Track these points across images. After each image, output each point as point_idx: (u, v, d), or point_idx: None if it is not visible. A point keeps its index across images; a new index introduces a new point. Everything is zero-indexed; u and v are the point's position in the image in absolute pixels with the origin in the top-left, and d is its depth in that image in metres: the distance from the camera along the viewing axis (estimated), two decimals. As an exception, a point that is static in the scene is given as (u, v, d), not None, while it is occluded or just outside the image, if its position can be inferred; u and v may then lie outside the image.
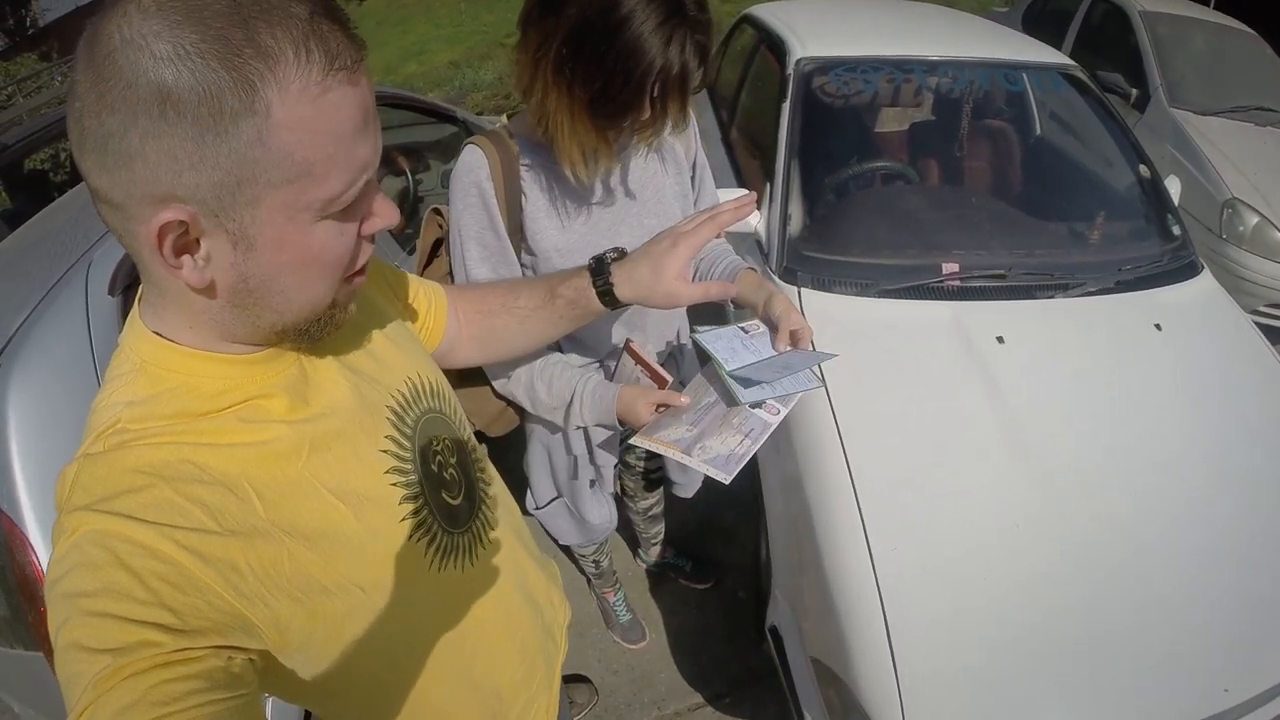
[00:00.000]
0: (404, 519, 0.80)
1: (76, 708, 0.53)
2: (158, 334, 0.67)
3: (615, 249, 1.10)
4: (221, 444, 0.66)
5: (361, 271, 0.72)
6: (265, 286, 0.63)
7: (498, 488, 1.04)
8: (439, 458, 0.89)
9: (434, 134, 3.92)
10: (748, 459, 1.09)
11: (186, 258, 0.59)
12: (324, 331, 0.72)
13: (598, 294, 1.06)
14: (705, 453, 1.10)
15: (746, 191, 1.14)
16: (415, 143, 3.79)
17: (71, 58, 0.55)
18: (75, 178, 2.76)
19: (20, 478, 1.47)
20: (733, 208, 1.04)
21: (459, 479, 0.92)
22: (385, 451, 0.80)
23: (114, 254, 1.78)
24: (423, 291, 1.08)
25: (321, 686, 0.75)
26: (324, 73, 0.57)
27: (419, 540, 0.81)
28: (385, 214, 0.69)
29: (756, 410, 1.16)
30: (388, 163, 3.49)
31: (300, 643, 0.69)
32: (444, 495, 0.88)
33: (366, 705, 0.85)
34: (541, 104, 1.16)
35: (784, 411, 1.17)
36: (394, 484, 0.79)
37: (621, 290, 1.06)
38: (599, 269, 1.07)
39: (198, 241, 0.59)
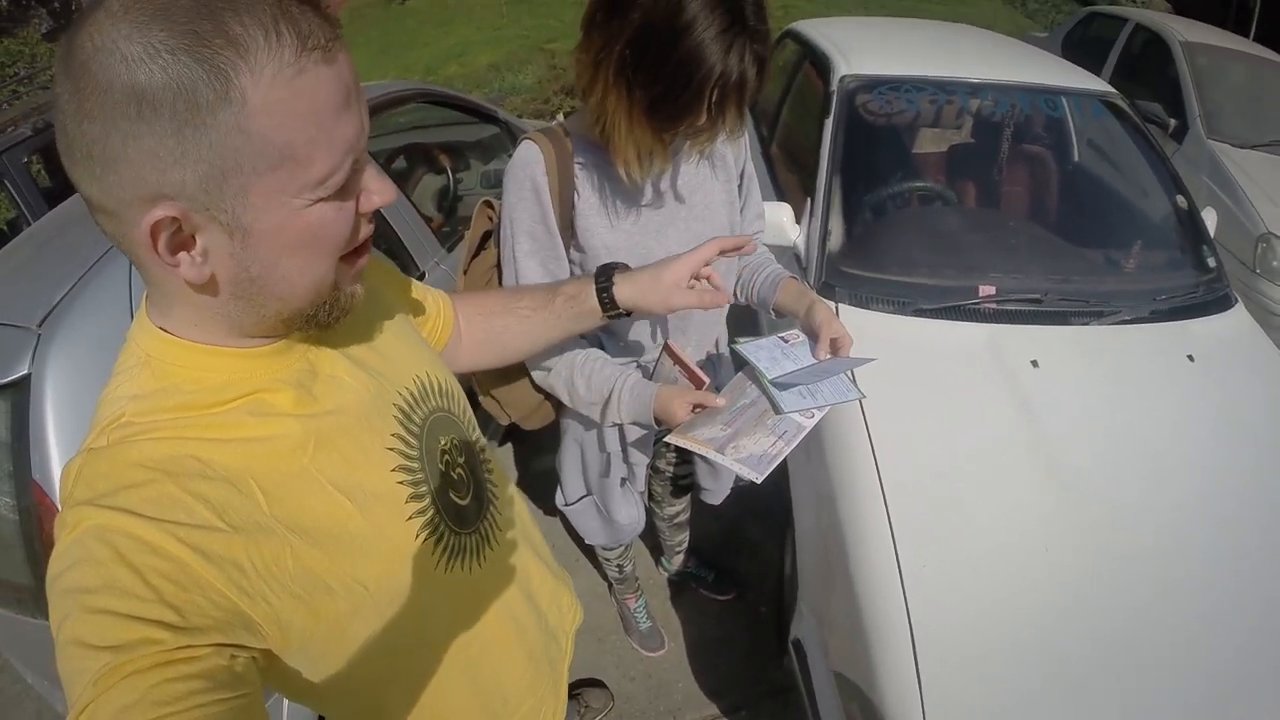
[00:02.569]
0: (410, 518, 0.79)
1: (77, 705, 0.53)
2: (163, 329, 0.67)
3: (621, 264, 1.17)
4: (226, 439, 0.66)
5: (361, 251, 0.72)
6: (267, 274, 0.63)
7: (506, 489, 1.04)
8: (447, 457, 0.89)
9: (475, 134, 3.92)
10: (780, 460, 1.11)
11: (183, 255, 0.59)
12: (332, 317, 0.71)
13: (597, 292, 1.13)
14: (738, 452, 1.12)
15: (751, 239, 1.22)
16: (456, 141, 3.79)
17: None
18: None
19: (55, 449, 1.49)
20: (734, 241, 1.16)
21: (467, 479, 0.92)
22: (392, 449, 0.79)
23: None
24: (429, 295, 1.09)
25: (323, 686, 0.75)
26: (297, 54, 0.56)
27: (426, 540, 0.81)
28: (381, 191, 0.68)
29: (792, 414, 1.17)
30: (428, 160, 3.52)
31: (302, 641, 0.69)
32: (452, 495, 0.87)
33: (369, 706, 0.85)
34: (601, 104, 1.19)
35: (819, 416, 1.19)
36: (400, 482, 0.79)
37: (620, 291, 1.13)
38: (603, 272, 1.14)
39: (193, 238, 0.59)
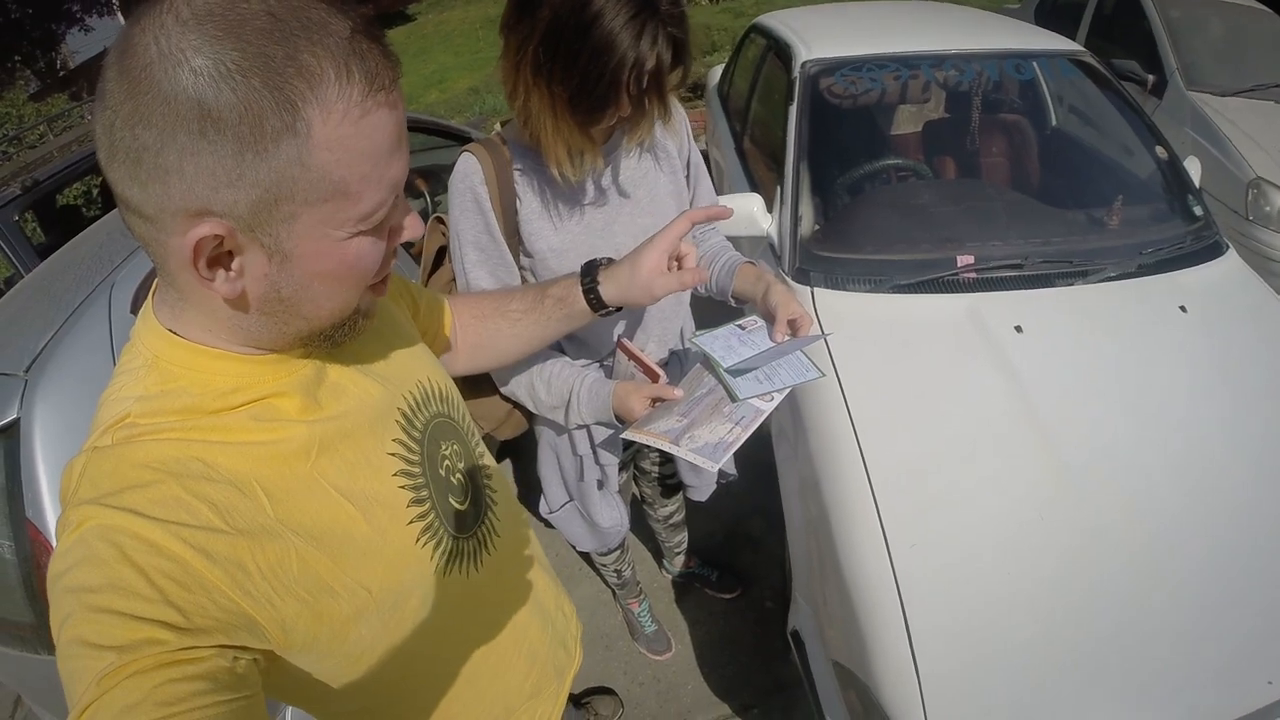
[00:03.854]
0: (411, 522, 0.79)
1: (79, 704, 0.52)
2: (171, 331, 0.67)
3: (608, 257, 1.13)
4: (231, 442, 0.66)
5: (386, 281, 0.74)
6: (297, 295, 0.64)
7: (505, 495, 1.04)
8: (446, 462, 0.89)
9: (451, 157, 3.94)
10: (738, 446, 1.08)
11: (220, 271, 0.60)
12: (345, 337, 0.73)
13: (584, 293, 1.10)
14: (693, 442, 1.09)
15: (725, 207, 1.17)
16: (433, 165, 3.84)
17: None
18: (108, 211, 2.89)
19: (46, 488, 1.54)
20: (705, 213, 1.11)
21: (466, 484, 0.93)
22: (394, 454, 0.80)
23: (135, 275, 1.92)
24: (428, 299, 1.10)
25: (323, 689, 0.75)
26: (364, 94, 0.57)
27: (426, 544, 0.81)
28: (412, 227, 0.71)
29: (750, 399, 1.15)
30: (406, 185, 3.53)
31: (304, 644, 0.68)
32: (451, 500, 0.88)
33: (369, 708, 0.84)
34: (525, 106, 1.18)
35: (777, 399, 1.16)
36: (402, 486, 0.79)
37: (606, 289, 1.10)
38: (587, 270, 1.11)
39: (230, 254, 0.59)
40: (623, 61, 1.06)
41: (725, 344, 1.24)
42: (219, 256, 0.59)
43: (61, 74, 15.81)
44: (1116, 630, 1.43)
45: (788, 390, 1.17)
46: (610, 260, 1.14)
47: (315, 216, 0.59)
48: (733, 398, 1.16)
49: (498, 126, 1.42)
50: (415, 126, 3.61)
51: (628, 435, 1.17)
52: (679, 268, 1.13)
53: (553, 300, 1.13)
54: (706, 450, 1.07)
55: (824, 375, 1.24)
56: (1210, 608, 1.47)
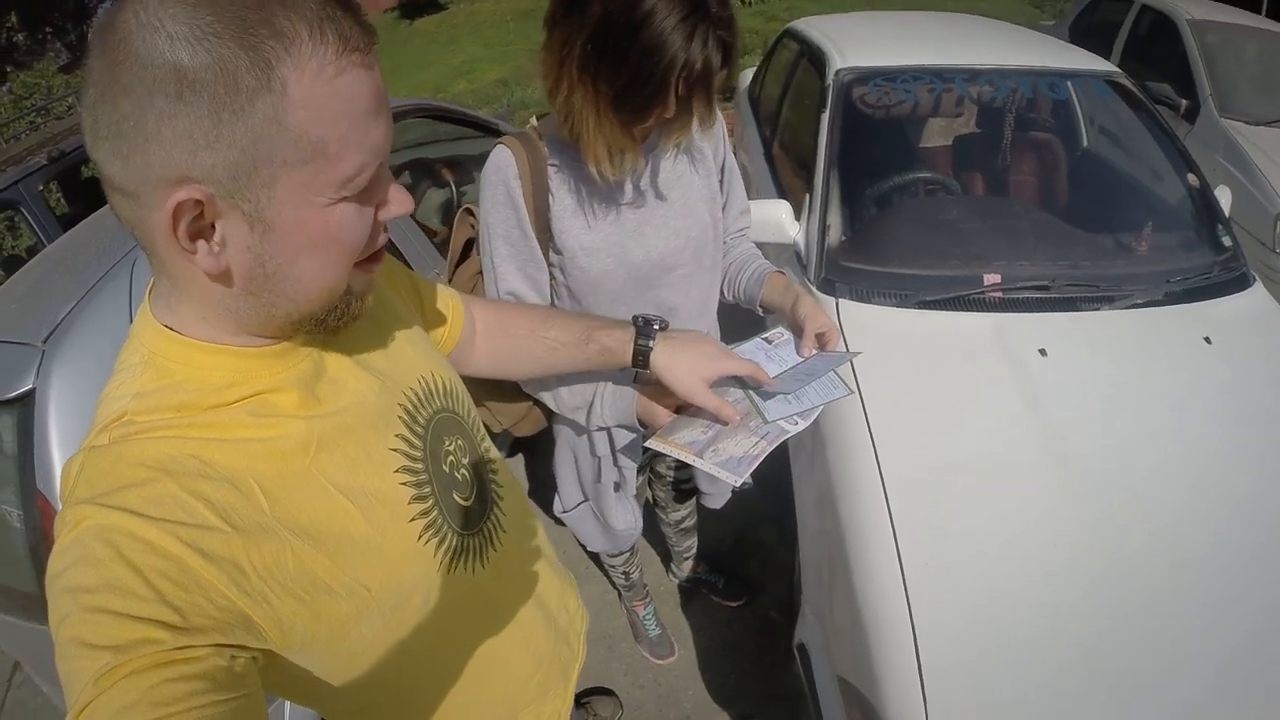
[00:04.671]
0: (413, 519, 0.79)
1: (76, 704, 0.52)
2: (168, 327, 0.67)
3: (661, 319, 1.15)
4: (228, 439, 0.66)
5: (376, 258, 0.72)
6: (282, 271, 0.63)
7: (511, 490, 1.03)
8: (451, 458, 0.88)
9: (478, 147, 3.97)
10: (760, 460, 1.07)
11: (202, 243, 0.59)
12: (340, 322, 0.72)
13: (635, 352, 1.12)
14: (717, 455, 1.08)
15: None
16: (459, 155, 3.85)
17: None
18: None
19: (58, 460, 1.55)
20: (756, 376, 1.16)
21: (471, 480, 0.92)
22: (395, 450, 0.79)
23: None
24: (438, 295, 1.09)
25: (324, 688, 0.75)
26: (338, 53, 0.58)
27: (428, 541, 0.80)
28: (400, 201, 0.69)
29: (778, 420, 1.14)
30: (432, 175, 3.55)
31: (304, 643, 0.68)
32: (455, 496, 0.87)
33: (370, 707, 0.84)
34: (567, 102, 1.17)
35: (804, 423, 1.14)
36: (404, 483, 0.79)
37: (657, 359, 1.12)
38: (645, 331, 1.12)
39: (213, 226, 0.59)
40: (672, 63, 1.05)
41: (751, 359, 1.22)
42: (201, 229, 0.59)
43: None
44: (1130, 657, 1.41)
45: (819, 411, 1.16)
46: (664, 324, 1.15)
47: (295, 180, 0.59)
48: (763, 419, 1.14)
49: (533, 120, 1.42)
50: (442, 116, 3.62)
51: (652, 444, 1.16)
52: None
53: (598, 348, 1.14)
54: (730, 464, 1.06)
55: (853, 393, 1.23)
56: (1227, 635, 1.45)
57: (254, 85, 0.54)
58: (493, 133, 3.92)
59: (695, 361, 1.11)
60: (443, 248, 2.95)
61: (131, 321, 1.70)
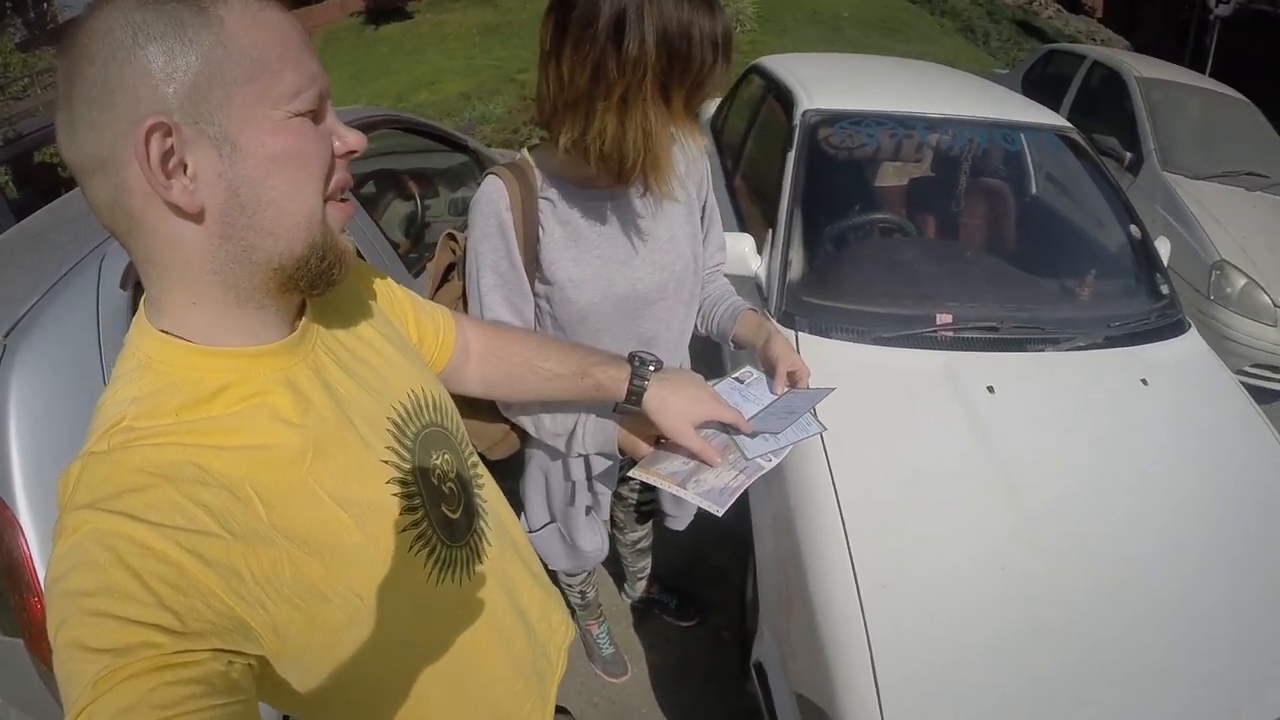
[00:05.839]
0: (404, 530, 0.80)
1: (75, 707, 0.53)
2: (164, 331, 0.68)
3: (656, 359, 1.19)
4: (226, 446, 0.67)
5: (347, 205, 0.76)
6: (257, 196, 0.65)
7: (496, 504, 1.05)
8: (439, 471, 0.90)
9: (444, 161, 3.96)
10: (740, 492, 1.12)
11: (175, 181, 0.62)
12: (324, 281, 0.73)
13: (630, 392, 1.16)
14: (699, 485, 1.12)
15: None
16: (426, 168, 3.82)
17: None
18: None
19: (17, 461, 1.46)
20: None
21: (458, 493, 0.93)
22: (387, 462, 0.81)
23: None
24: (429, 313, 1.10)
25: (313, 696, 0.75)
26: (260, 3, 0.66)
27: (418, 552, 0.82)
28: (353, 137, 0.73)
29: (756, 458, 1.18)
30: (398, 186, 3.53)
31: (297, 650, 0.69)
32: (443, 509, 0.89)
33: (357, 716, 0.85)
34: (641, 125, 1.17)
35: (780, 458, 1.20)
36: (395, 494, 0.80)
37: (649, 400, 1.16)
38: (640, 372, 1.16)
39: (184, 164, 0.62)
40: (715, 40, 1.15)
41: (726, 399, 1.26)
42: (172, 169, 0.62)
43: (50, 26, 15.55)
44: (1076, 675, 1.50)
45: (791, 447, 1.21)
46: (659, 363, 1.19)
47: (248, 95, 0.64)
48: (742, 455, 1.19)
49: (524, 151, 1.44)
50: (409, 128, 3.58)
51: (636, 474, 1.19)
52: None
53: (593, 383, 1.17)
54: (712, 495, 1.11)
55: (826, 429, 1.29)
56: (1168, 657, 1.55)
57: (197, 24, 0.62)
58: (459, 148, 3.93)
59: (686, 406, 1.16)
60: (406, 260, 2.95)
61: (98, 322, 1.66)
